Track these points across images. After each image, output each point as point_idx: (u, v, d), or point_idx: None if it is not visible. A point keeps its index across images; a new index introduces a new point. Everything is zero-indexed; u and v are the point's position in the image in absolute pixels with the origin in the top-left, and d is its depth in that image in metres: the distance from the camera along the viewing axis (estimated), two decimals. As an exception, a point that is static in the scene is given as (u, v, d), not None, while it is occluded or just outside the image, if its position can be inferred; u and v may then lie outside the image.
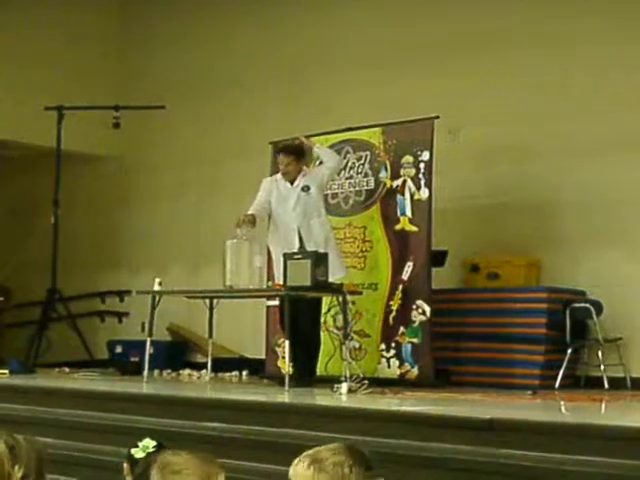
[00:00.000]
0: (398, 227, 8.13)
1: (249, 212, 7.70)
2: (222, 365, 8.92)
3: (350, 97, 9.54)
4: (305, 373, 7.51)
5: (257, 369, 8.92)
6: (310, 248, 7.46)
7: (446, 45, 9.12)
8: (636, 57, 8.18)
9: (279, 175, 7.91)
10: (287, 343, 7.08)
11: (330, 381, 7.06)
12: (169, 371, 9.46)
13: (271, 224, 7.94)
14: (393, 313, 8.05)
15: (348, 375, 6.98)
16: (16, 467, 2.59)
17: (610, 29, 8.32)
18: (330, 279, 7.21)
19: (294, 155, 7.78)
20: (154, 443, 2.94)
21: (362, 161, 8.41)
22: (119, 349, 10.55)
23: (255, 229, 7.62)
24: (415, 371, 7.90)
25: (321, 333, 7.83)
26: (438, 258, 8.19)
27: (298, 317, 7.41)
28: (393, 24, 9.55)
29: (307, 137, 8.04)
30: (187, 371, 9.34)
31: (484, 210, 8.80)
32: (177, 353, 10.47)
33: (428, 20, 9.33)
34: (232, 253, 7.46)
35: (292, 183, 7.78)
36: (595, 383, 7.86)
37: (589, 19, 8.43)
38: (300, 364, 7.53)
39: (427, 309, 7.84)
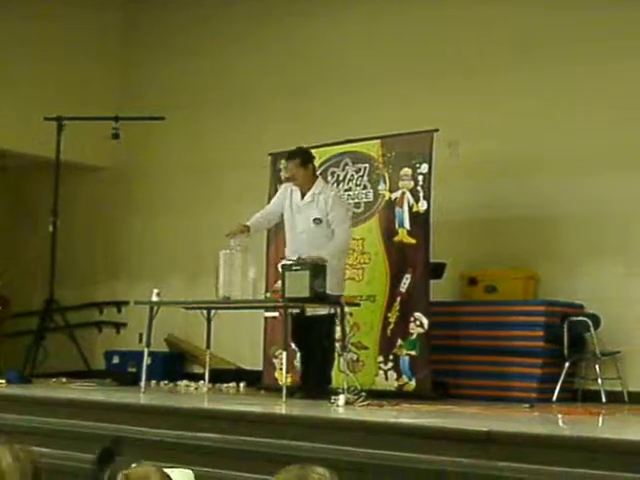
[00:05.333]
0: (396, 239, 8.14)
1: (256, 216, 7.70)
2: (219, 376, 8.90)
3: (350, 111, 9.57)
4: (318, 385, 7.43)
5: (255, 380, 8.92)
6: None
7: (446, 60, 9.16)
8: (635, 73, 8.21)
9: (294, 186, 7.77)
10: (284, 354, 7.07)
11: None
12: (166, 382, 9.45)
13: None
14: (391, 325, 8.05)
15: (346, 387, 6.98)
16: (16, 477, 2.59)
17: (610, 45, 8.34)
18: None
19: (298, 158, 7.64)
20: None
21: (361, 173, 8.42)
22: (116, 360, 10.55)
23: (249, 240, 7.59)
24: (413, 383, 7.89)
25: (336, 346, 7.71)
26: (436, 271, 8.19)
27: (311, 331, 7.38)
28: (393, 39, 9.58)
29: (307, 149, 7.95)
30: (184, 382, 9.34)
31: (482, 223, 8.81)
32: (174, 364, 10.46)
33: (428, 36, 9.36)
34: (225, 264, 7.43)
35: (304, 196, 7.65)
36: (592, 397, 7.87)
37: (589, 35, 8.46)
38: (314, 377, 7.53)
39: (425, 321, 7.85)
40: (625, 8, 8.27)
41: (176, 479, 2.80)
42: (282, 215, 7.81)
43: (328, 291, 7.15)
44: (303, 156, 7.67)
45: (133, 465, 2.81)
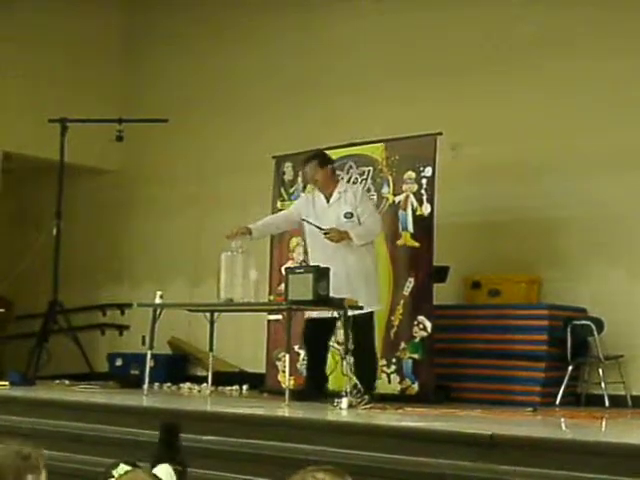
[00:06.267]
0: (400, 242, 8.13)
1: (265, 220, 7.72)
2: (222, 379, 8.91)
3: (353, 113, 9.56)
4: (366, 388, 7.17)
5: (258, 383, 8.92)
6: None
7: (449, 61, 9.16)
8: (636, 72, 8.21)
9: (316, 191, 7.68)
10: (287, 357, 7.06)
11: (331, 396, 7.05)
12: (169, 384, 9.44)
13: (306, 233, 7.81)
14: (394, 328, 8.05)
15: (348, 390, 6.97)
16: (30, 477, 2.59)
17: (608, 44, 8.35)
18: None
19: (316, 159, 7.59)
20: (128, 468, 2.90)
21: (365, 176, 8.42)
22: (119, 362, 10.55)
23: (251, 243, 7.58)
24: (415, 387, 7.89)
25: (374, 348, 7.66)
26: (440, 274, 8.19)
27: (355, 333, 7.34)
28: (396, 42, 9.59)
29: (324, 151, 7.86)
30: (187, 385, 9.33)
31: (486, 227, 8.81)
32: (178, 366, 10.46)
33: (431, 38, 9.37)
34: (226, 266, 7.43)
35: (328, 200, 7.57)
36: (596, 401, 7.85)
37: (592, 36, 8.47)
38: (314, 377, 7.56)
39: (428, 325, 7.84)
40: (626, 8, 8.27)
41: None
42: (296, 223, 7.76)
43: (365, 304, 7.15)
44: (321, 157, 7.64)
45: (126, 468, 2.80)
